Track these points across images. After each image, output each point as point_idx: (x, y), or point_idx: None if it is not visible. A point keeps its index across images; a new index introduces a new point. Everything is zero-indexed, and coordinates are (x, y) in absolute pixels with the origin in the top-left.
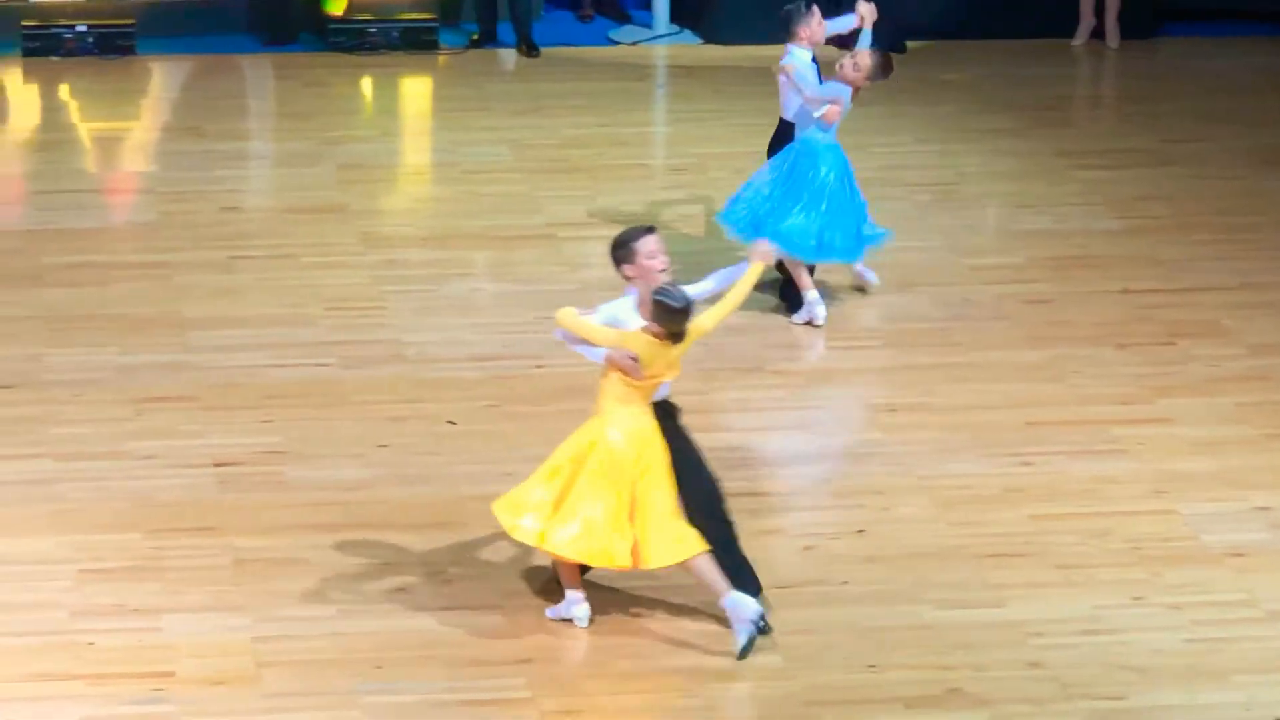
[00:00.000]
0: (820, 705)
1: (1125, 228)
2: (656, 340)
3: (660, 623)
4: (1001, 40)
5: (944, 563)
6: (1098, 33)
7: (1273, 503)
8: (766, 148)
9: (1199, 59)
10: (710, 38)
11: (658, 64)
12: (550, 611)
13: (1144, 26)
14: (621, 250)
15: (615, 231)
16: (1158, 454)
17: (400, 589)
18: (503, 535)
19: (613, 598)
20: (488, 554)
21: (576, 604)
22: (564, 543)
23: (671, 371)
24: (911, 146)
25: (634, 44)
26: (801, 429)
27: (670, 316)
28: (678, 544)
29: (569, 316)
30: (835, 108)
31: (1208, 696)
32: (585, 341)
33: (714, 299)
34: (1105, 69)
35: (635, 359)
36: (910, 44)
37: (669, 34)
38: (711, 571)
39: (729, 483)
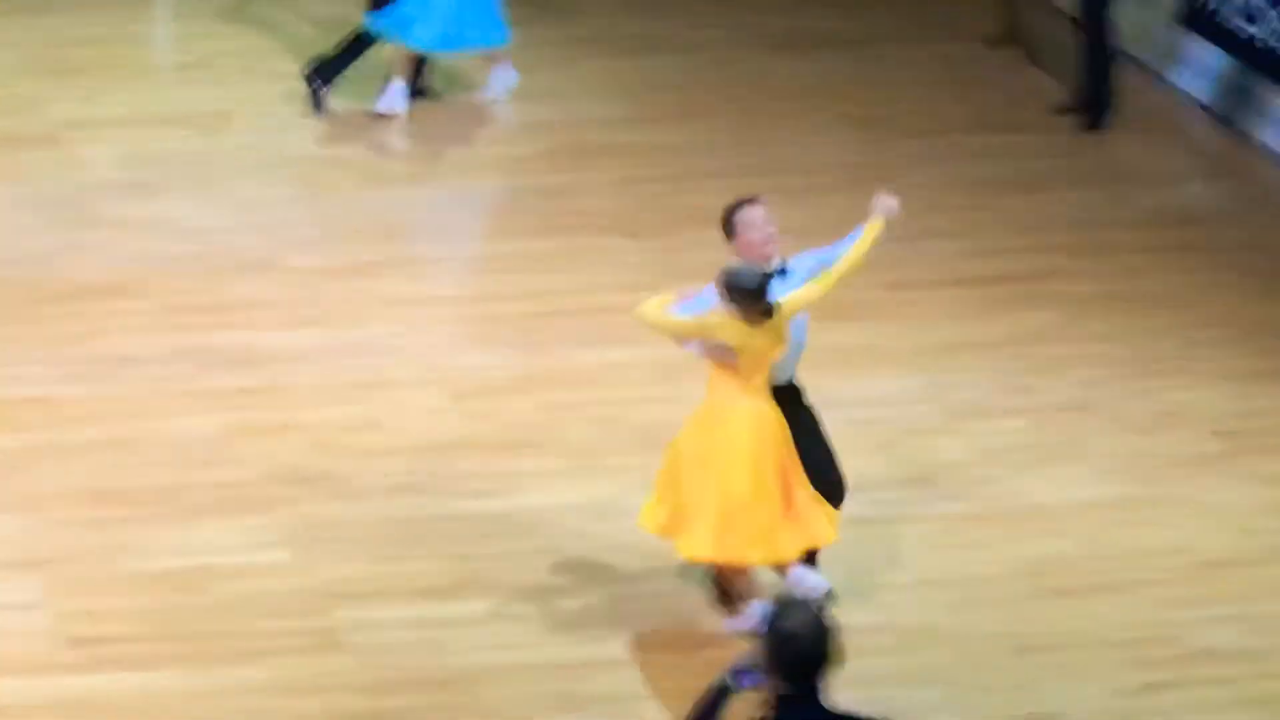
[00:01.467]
0: (336, 598)
1: (634, 115)
2: (742, 323)
3: None
4: None
5: (459, 453)
6: None
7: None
8: None
9: None
10: None
11: None
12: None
13: None
14: (725, 227)
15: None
16: (666, 340)
17: None
18: None
19: None
20: None
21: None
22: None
23: (777, 348)
24: None
25: None
26: (313, 325)
27: (743, 297)
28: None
29: (654, 313)
30: None
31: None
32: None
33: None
34: None
35: (726, 346)
36: None
37: None
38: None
39: (238, 379)
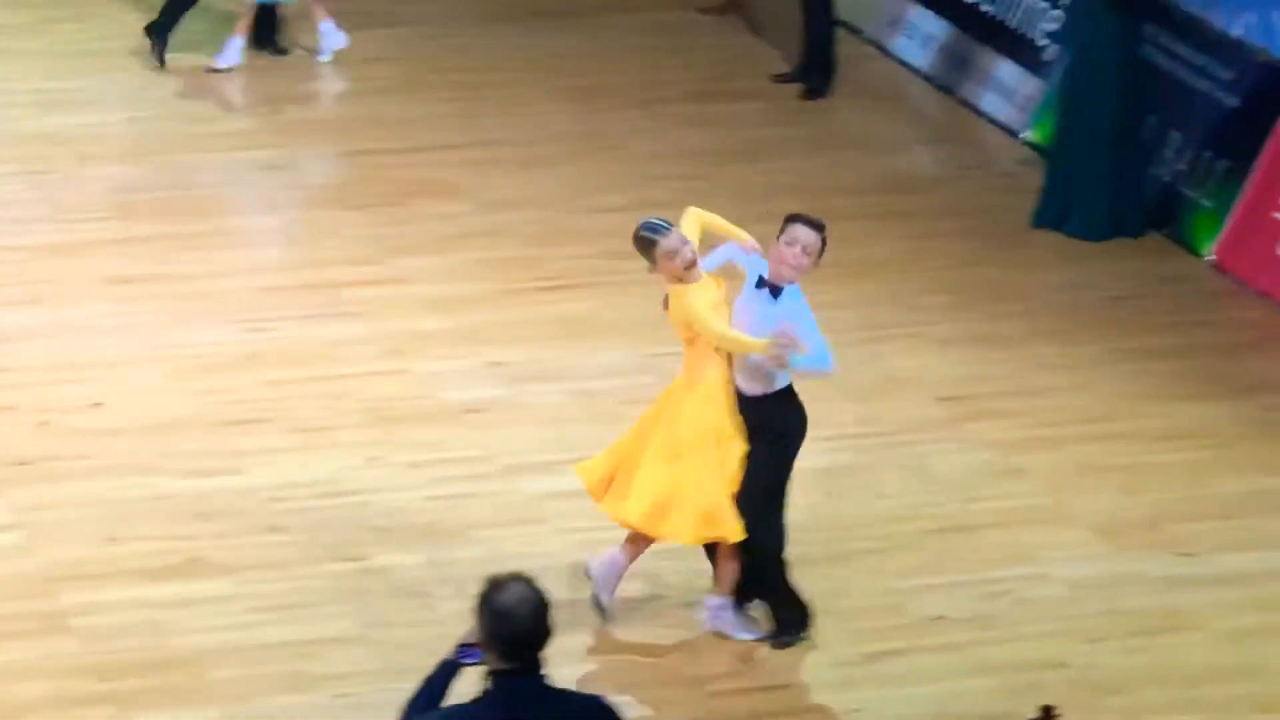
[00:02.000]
0: (61, 581)
1: (354, 89)
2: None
3: None
4: None
5: (183, 432)
6: None
7: (506, 358)
8: None
9: None
10: None
11: None
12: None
13: None
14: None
15: None
16: (392, 314)
17: None
18: None
19: None
20: None
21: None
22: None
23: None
24: (139, 14)
25: None
26: (33, 304)
27: (636, 243)
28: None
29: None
30: None
31: (448, 553)
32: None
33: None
34: None
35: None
36: None
37: None
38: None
39: None
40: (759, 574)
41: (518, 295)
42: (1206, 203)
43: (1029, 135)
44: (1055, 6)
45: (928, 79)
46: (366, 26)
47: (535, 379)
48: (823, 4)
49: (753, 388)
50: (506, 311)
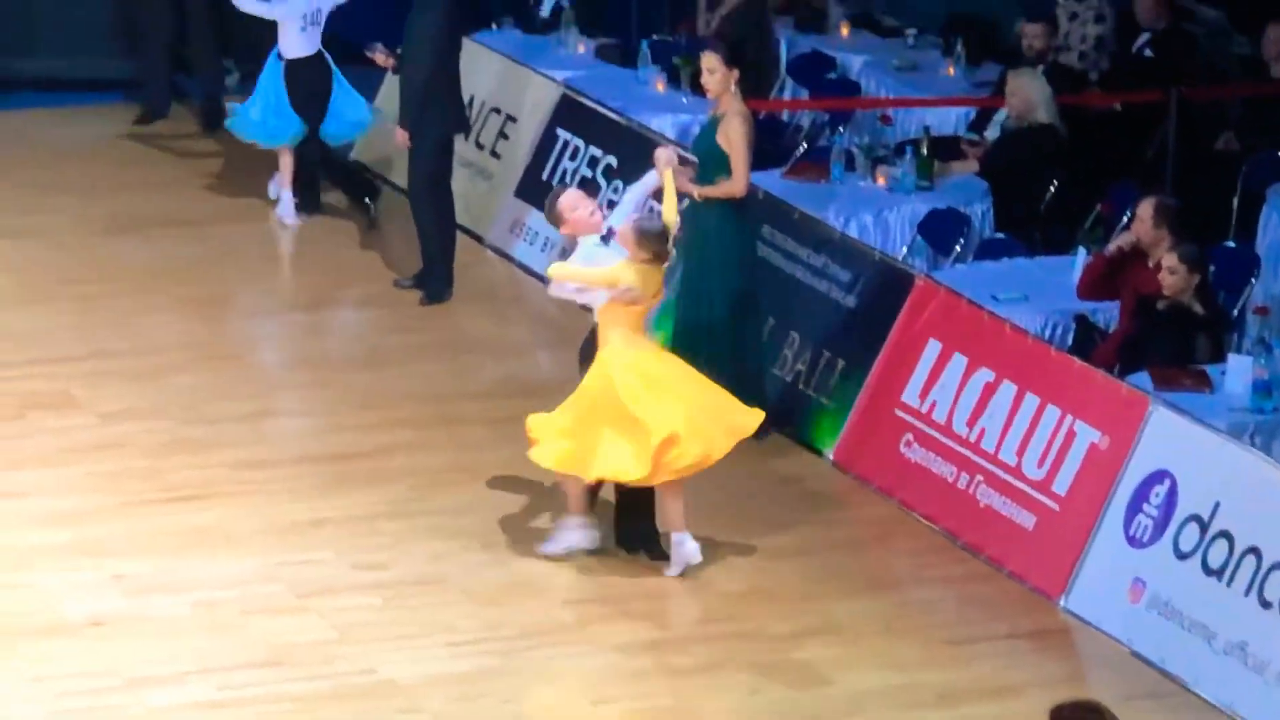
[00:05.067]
0: None
1: None
2: (646, 266)
3: None
4: None
5: None
6: None
7: (128, 570)
8: None
9: (37, 129)
10: None
11: None
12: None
13: None
14: (550, 215)
15: None
16: (11, 527)
17: None
18: None
19: None
20: None
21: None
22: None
23: (658, 296)
24: None
25: None
26: None
27: (659, 239)
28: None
29: (563, 269)
30: None
31: None
32: (583, 286)
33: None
34: None
35: (634, 290)
36: None
37: None
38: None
39: None
40: None
41: (139, 506)
42: (827, 402)
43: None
44: None
45: (543, 280)
46: None
47: (158, 590)
48: (439, 209)
49: None
50: (128, 523)
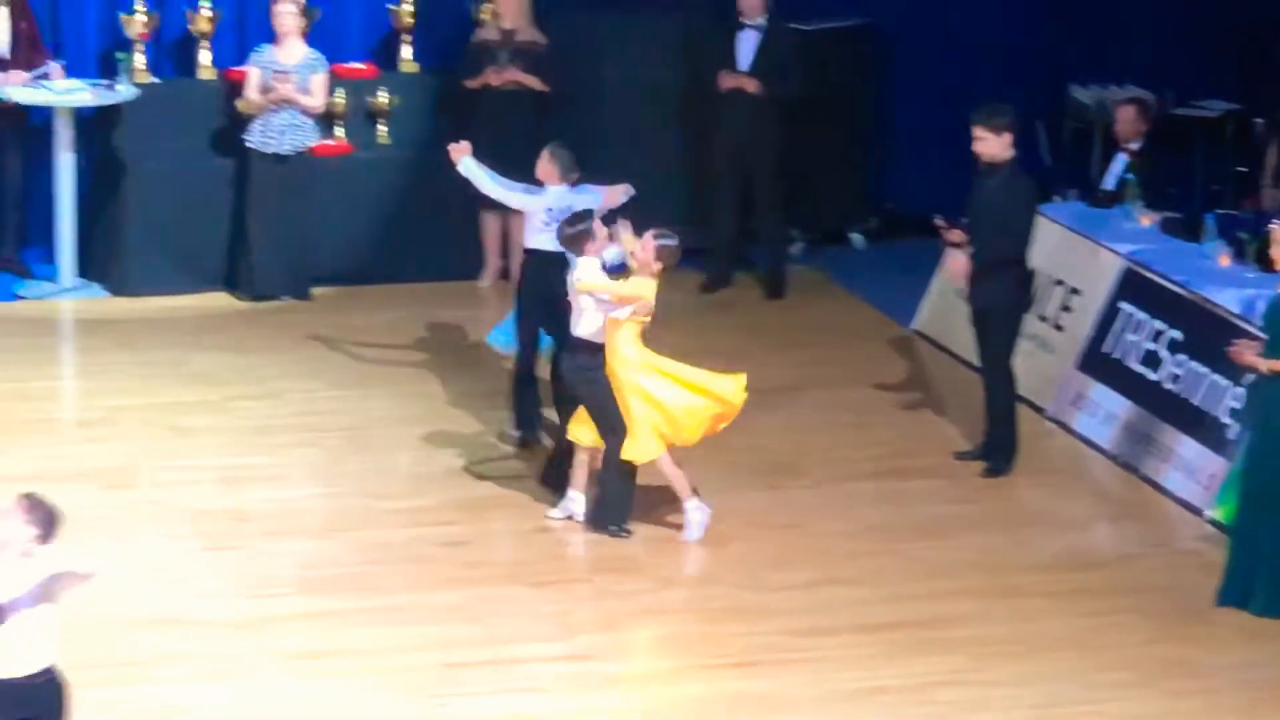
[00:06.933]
0: None
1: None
2: (655, 279)
3: None
4: (409, 283)
5: None
6: (506, 273)
7: None
8: None
9: None
10: (118, 290)
11: (65, 318)
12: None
13: None
14: (580, 235)
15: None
16: (575, 689)
17: None
18: None
19: None
20: None
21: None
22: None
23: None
24: (324, 391)
25: (41, 299)
26: (219, 680)
27: (674, 255)
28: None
29: (593, 283)
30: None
31: None
32: (609, 298)
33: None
34: None
35: (648, 303)
36: (316, 290)
37: (76, 288)
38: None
39: None
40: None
41: (698, 671)
42: None
43: (1212, 513)
44: (1237, 384)
45: (1108, 455)
46: None
47: None
48: (1003, 382)
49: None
50: (694, 687)
